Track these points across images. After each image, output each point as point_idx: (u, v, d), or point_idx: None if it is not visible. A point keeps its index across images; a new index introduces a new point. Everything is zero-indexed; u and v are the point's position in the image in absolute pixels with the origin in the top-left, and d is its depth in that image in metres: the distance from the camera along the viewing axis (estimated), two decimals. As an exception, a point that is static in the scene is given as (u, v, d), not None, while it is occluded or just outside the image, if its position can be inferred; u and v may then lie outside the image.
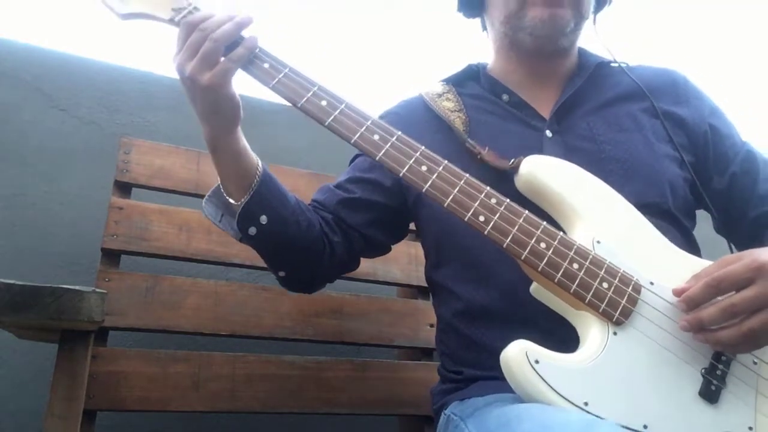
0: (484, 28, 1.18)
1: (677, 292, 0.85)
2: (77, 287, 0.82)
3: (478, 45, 1.20)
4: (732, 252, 1.10)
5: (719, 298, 0.81)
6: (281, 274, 1.05)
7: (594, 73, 1.10)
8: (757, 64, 2.61)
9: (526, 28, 1.03)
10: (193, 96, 0.89)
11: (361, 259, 1.15)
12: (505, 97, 1.09)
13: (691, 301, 0.83)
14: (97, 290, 0.83)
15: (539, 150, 1.00)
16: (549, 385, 0.77)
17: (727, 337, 0.81)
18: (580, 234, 0.90)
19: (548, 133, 1.03)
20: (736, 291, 0.80)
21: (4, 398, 1.26)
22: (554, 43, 1.05)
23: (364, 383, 1.28)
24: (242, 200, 0.93)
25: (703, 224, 1.11)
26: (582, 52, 1.13)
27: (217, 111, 0.89)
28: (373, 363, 1.31)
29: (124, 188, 1.26)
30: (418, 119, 1.11)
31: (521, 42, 1.06)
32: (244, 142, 0.95)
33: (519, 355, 0.79)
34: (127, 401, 1.10)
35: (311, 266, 1.05)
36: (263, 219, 0.95)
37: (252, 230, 0.95)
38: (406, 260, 1.42)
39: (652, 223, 0.93)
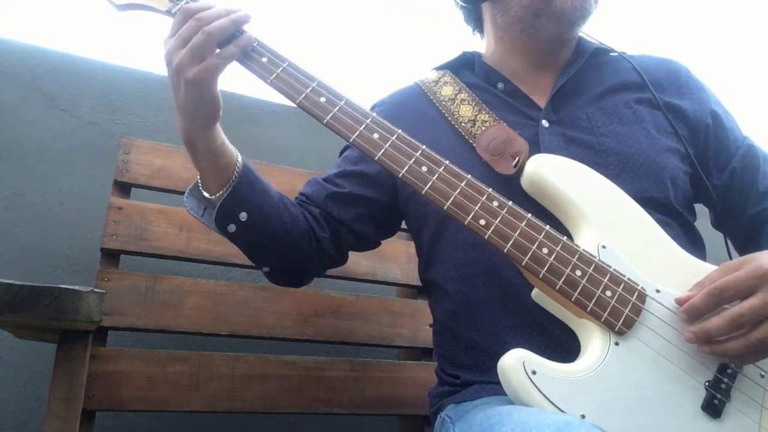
0: (470, 21, 1.17)
1: (680, 302, 0.83)
2: (76, 287, 0.82)
3: (471, 39, 1.19)
4: (728, 247, 1.09)
5: (725, 306, 0.80)
6: (266, 269, 1.04)
7: (591, 60, 1.08)
8: (757, 57, 2.60)
9: (553, 14, 0.99)
10: (176, 87, 0.87)
11: (358, 256, 1.14)
12: (500, 85, 1.07)
13: (693, 311, 0.81)
14: (96, 290, 0.83)
15: (535, 140, 0.98)
16: (546, 397, 0.76)
17: (734, 348, 0.79)
18: (586, 238, 0.88)
19: (545, 122, 1.01)
20: (740, 299, 0.79)
21: (4, 398, 1.26)
22: (574, 30, 1.04)
23: (364, 383, 1.28)
24: (219, 196, 0.92)
25: (703, 220, 1.10)
26: (580, 39, 1.10)
27: (196, 107, 0.87)
28: (373, 363, 1.31)
29: (123, 188, 1.26)
30: (414, 109, 1.09)
31: (540, 28, 1.02)
32: (223, 138, 0.92)
33: (516, 365, 0.77)
34: (127, 401, 1.10)
35: (297, 262, 1.03)
36: (243, 216, 0.93)
37: (232, 227, 0.94)
38: (405, 260, 1.42)
39: (654, 218, 0.92)
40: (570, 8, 0.99)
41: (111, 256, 1.20)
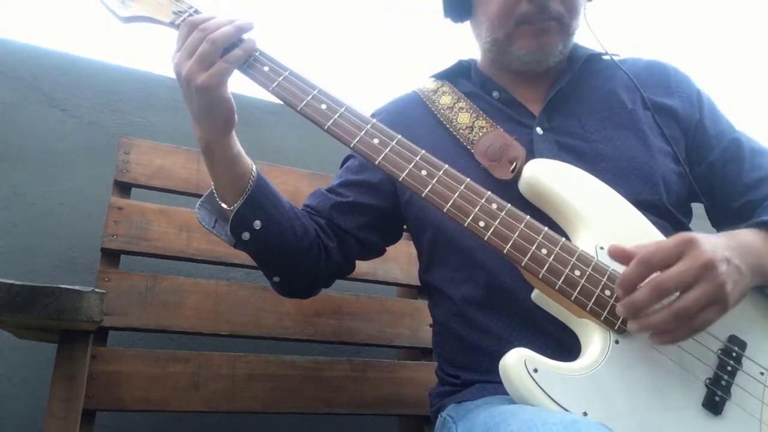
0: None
1: (614, 252, 0.81)
2: (76, 287, 0.82)
3: (464, 42, 1.19)
4: None
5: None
6: (276, 279, 1.04)
7: (584, 67, 1.08)
8: (751, 57, 2.60)
9: (513, 55, 1.03)
10: (189, 96, 0.89)
11: (357, 261, 1.15)
12: (495, 94, 1.08)
13: (626, 283, 0.78)
14: (96, 290, 0.84)
15: (530, 147, 0.99)
16: (548, 395, 0.76)
17: (659, 321, 0.76)
18: (584, 240, 0.88)
19: (539, 130, 1.02)
20: (667, 267, 0.77)
21: (4, 398, 1.26)
22: (543, 66, 1.05)
23: (364, 383, 1.28)
24: (235, 205, 0.93)
25: (697, 219, 1.10)
26: (573, 46, 1.10)
27: (210, 113, 0.88)
28: (373, 363, 1.31)
29: (123, 188, 1.26)
30: (413, 116, 1.10)
31: (508, 63, 1.06)
32: (239, 146, 0.94)
33: (518, 363, 0.78)
34: (127, 401, 1.10)
35: (307, 272, 1.04)
36: (257, 224, 0.94)
37: (245, 235, 0.95)
38: (406, 260, 1.42)
39: (649, 220, 0.92)
40: (528, 53, 1.02)
41: (111, 256, 1.20)
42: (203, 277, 1.29)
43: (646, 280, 0.77)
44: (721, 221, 1.09)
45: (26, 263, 1.33)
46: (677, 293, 0.77)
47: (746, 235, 0.89)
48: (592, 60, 1.10)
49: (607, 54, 1.11)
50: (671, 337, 0.79)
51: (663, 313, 0.76)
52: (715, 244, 0.79)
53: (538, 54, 1.02)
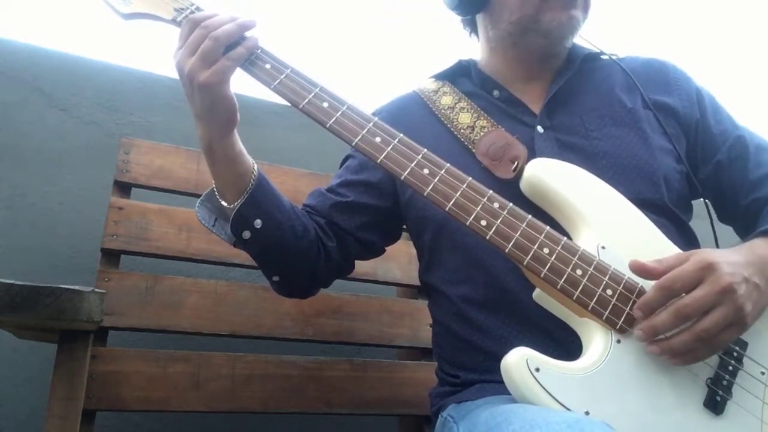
0: (467, 26, 1.17)
1: (635, 267, 0.83)
2: (76, 287, 0.82)
3: (465, 41, 1.19)
4: (717, 244, 1.09)
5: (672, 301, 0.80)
6: (275, 279, 1.04)
7: (583, 66, 1.09)
8: (748, 53, 2.60)
9: (540, 30, 1.01)
10: (191, 94, 0.89)
11: (357, 261, 1.15)
12: (496, 93, 1.08)
13: (647, 307, 0.81)
14: (96, 290, 0.84)
15: (531, 146, 0.99)
16: (550, 394, 0.76)
17: (680, 343, 0.78)
18: (585, 239, 0.88)
19: (539, 129, 1.02)
20: (687, 292, 0.79)
21: (4, 398, 1.26)
22: (563, 44, 1.05)
23: (364, 383, 1.28)
24: (236, 203, 0.93)
25: (696, 219, 1.10)
26: (571, 45, 1.10)
27: (213, 111, 0.88)
28: (373, 363, 1.31)
29: (123, 188, 1.26)
30: (413, 116, 1.10)
31: (529, 43, 1.04)
32: (240, 145, 0.94)
33: (519, 362, 0.78)
34: (127, 401, 1.10)
35: (306, 271, 1.04)
36: (257, 223, 0.94)
37: (246, 234, 0.95)
38: (406, 260, 1.42)
39: (649, 218, 0.92)
40: (557, 26, 1.01)
41: (111, 256, 1.20)
42: (203, 277, 1.28)
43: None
44: (729, 219, 1.10)
45: (26, 263, 1.33)
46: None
47: (762, 247, 0.89)
48: (590, 59, 1.10)
49: (605, 54, 1.11)
50: (692, 358, 0.81)
51: (685, 335, 0.78)
52: (734, 264, 0.81)
53: (566, 26, 1.01)
